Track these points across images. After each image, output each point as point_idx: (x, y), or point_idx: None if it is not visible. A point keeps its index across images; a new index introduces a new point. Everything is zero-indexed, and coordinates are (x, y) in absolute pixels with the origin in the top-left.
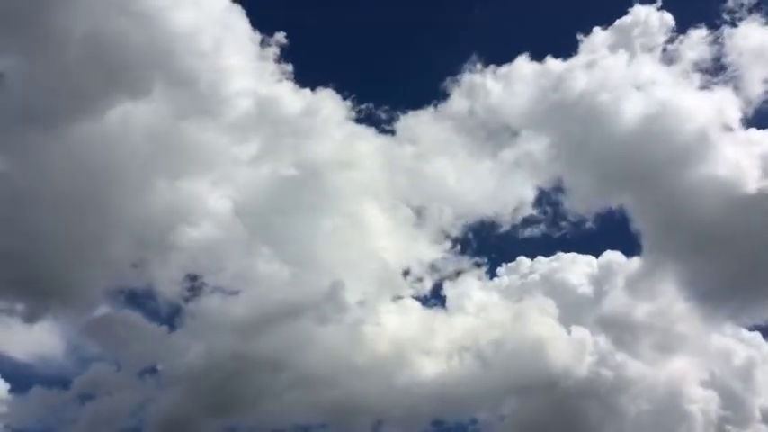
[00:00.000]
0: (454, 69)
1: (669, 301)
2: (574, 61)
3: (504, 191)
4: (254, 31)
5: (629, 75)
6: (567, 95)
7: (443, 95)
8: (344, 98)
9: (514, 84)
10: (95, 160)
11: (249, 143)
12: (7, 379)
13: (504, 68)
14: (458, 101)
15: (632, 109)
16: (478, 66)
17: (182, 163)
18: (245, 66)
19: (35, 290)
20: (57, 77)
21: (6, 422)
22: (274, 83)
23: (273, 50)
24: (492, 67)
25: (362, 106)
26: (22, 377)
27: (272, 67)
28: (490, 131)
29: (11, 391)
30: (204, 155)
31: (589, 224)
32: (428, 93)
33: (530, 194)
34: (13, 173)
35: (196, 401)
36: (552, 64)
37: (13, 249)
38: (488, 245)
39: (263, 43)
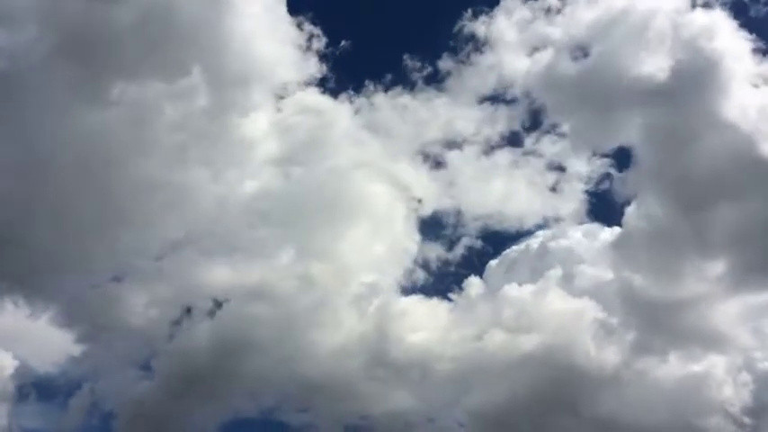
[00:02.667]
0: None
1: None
2: None
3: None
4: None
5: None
6: None
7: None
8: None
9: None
10: (121, 138)
11: (276, 143)
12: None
13: None
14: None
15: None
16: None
17: (202, 151)
18: (292, 67)
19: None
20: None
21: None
22: (316, 86)
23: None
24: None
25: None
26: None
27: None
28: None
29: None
30: (228, 147)
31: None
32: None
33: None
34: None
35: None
36: None
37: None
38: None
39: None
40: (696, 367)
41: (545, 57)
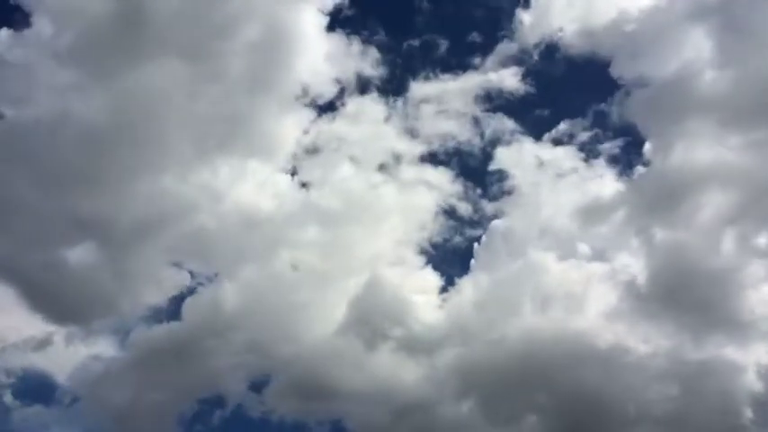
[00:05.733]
0: None
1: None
2: None
3: None
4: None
5: None
6: None
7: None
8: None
9: None
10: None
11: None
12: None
13: None
14: None
15: None
16: None
17: (220, 146)
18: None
19: None
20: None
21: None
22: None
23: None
24: None
25: None
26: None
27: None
28: None
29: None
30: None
31: None
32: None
33: None
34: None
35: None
36: None
37: None
38: None
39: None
40: (734, 355)
41: None
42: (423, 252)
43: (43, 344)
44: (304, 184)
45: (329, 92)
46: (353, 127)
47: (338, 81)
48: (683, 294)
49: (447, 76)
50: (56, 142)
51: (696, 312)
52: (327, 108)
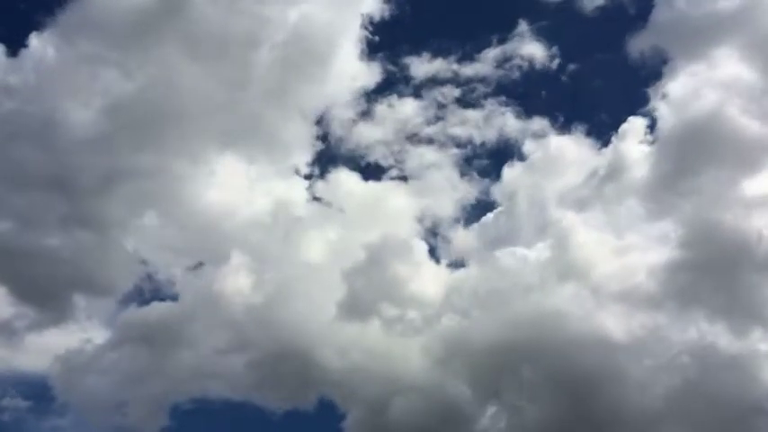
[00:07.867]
0: None
1: None
2: None
3: None
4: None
5: None
6: None
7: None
8: None
9: None
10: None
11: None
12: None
13: None
14: None
15: None
16: None
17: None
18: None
19: None
20: None
21: None
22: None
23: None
24: None
25: None
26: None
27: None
28: None
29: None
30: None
31: None
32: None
33: None
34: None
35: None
36: None
37: None
38: None
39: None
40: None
41: None
42: (428, 242)
43: (23, 328)
44: (316, 186)
45: (349, 94)
46: (371, 128)
47: (362, 84)
48: (700, 280)
49: (466, 63)
50: (56, 134)
51: (718, 298)
52: (346, 109)
